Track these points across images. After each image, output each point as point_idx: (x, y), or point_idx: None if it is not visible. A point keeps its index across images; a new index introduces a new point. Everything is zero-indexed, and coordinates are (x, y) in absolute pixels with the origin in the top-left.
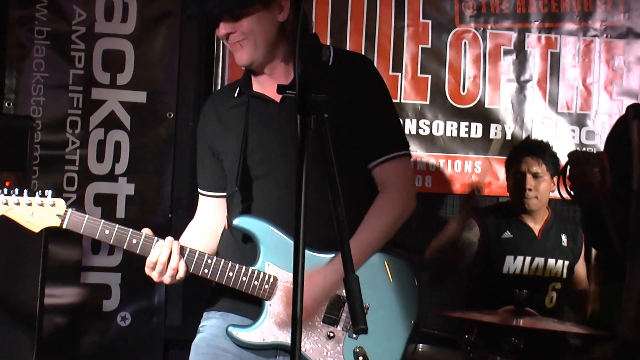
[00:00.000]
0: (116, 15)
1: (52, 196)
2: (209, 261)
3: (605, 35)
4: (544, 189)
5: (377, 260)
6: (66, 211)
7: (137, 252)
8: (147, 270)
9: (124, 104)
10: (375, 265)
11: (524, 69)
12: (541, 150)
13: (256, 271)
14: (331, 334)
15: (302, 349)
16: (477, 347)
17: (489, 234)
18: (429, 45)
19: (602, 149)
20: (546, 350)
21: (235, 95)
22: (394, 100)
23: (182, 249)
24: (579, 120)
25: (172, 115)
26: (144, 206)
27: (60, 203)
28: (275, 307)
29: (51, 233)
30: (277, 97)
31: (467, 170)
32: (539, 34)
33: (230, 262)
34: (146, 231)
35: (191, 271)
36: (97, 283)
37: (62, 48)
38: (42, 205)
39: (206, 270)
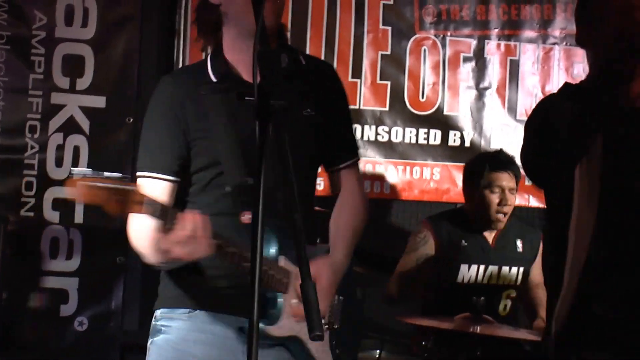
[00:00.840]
0: (76, 20)
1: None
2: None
3: (564, 43)
4: (513, 204)
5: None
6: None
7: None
8: (168, 244)
9: (83, 108)
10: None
11: (483, 76)
12: (515, 166)
13: (274, 263)
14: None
15: (307, 343)
16: (434, 353)
17: (444, 244)
18: (389, 52)
19: None
20: (501, 356)
21: (213, 78)
22: (352, 107)
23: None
24: None
25: (131, 120)
26: (102, 211)
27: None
28: (289, 301)
29: (9, 238)
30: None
31: (425, 176)
32: (498, 41)
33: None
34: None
35: (222, 257)
36: (54, 288)
37: (22, 52)
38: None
39: (237, 254)
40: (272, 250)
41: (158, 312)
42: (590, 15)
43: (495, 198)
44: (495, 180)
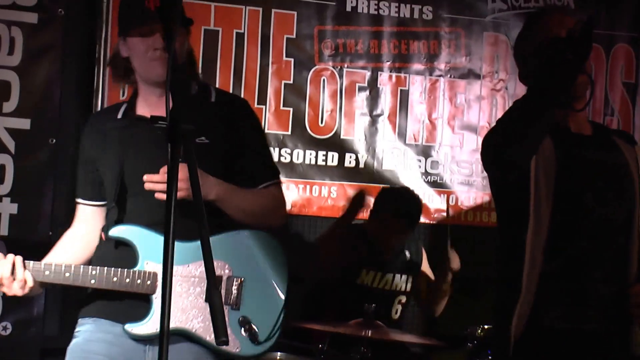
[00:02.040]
0: (3, 48)
1: None
2: (94, 272)
3: (449, 75)
4: (402, 241)
5: (247, 238)
6: None
7: None
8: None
9: (9, 130)
10: (245, 243)
11: (376, 104)
12: (407, 208)
13: (137, 271)
14: None
15: (192, 329)
16: (330, 355)
17: (345, 249)
18: (291, 81)
19: (444, 178)
20: (391, 358)
21: (119, 116)
22: None
23: (35, 265)
24: (425, 151)
25: (53, 140)
26: (26, 224)
27: None
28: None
29: None
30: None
31: (323, 194)
32: (390, 73)
33: (113, 268)
34: None
35: (80, 284)
36: None
37: None
38: None
39: (93, 281)
40: (139, 260)
41: (79, 320)
42: (528, 53)
43: (383, 235)
44: (383, 222)
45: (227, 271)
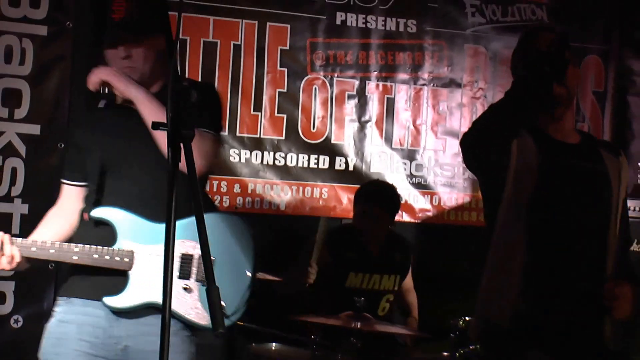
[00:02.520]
0: (15, 58)
1: None
2: (76, 249)
3: (432, 84)
4: (382, 229)
5: (217, 220)
6: None
7: None
8: None
9: (20, 135)
10: (216, 225)
11: (364, 111)
12: (385, 199)
13: (116, 250)
14: (186, 286)
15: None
16: (322, 346)
17: (335, 253)
18: (285, 90)
19: (428, 179)
20: (379, 348)
21: (100, 105)
22: (254, 136)
23: (22, 241)
24: (410, 155)
25: (62, 145)
26: (36, 223)
27: None
28: (137, 275)
29: None
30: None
31: (315, 195)
32: (377, 82)
33: (94, 246)
34: None
35: (63, 259)
36: None
37: None
38: None
39: (75, 257)
40: (117, 239)
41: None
42: (521, 67)
43: (363, 226)
44: (363, 211)
45: (198, 250)
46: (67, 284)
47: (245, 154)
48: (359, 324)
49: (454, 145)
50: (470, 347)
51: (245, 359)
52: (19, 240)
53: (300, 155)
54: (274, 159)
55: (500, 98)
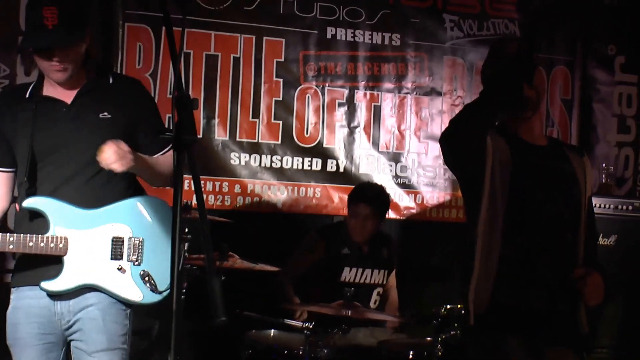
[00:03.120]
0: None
1: None
2: (11, 238)
3: (414, 93)
4: (372, 226)
5: (142, 203)
6: None
7: None
8: None
9: None
10: (141, 208)
11: (353, 117)
12: (373, 199)
13: (50, 237)
14: (119, 267)
15: (101, 283)
16: (316, 332)
17: (330, 251)
18: (281, 98)
19: (412, 180)
20: (369, 335)
21: (27, 96)
22: (252, 140)
23: None
24: (395, 158)
25: None
26: None
27: None
28: (71, 259)
29: None
30: (67, 99)
31: (309, 195)
32: (364, 91)
33: (29, 235)
34: None
35: (0, 249)
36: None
37: None
38: None
39: (11, 247)
40: (50, 227)
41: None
42: (489, 69)
43: (355, 224)
44: (355, 210)
45: (128, 233)
46: (16, 274)
47: (245, 157)
48: (349, 312)
49: (436, 148)
50: (451, 333)
51: (246, 344)
52: None
53: (295, 158)
54: (271, 161)
55: (477, 97)
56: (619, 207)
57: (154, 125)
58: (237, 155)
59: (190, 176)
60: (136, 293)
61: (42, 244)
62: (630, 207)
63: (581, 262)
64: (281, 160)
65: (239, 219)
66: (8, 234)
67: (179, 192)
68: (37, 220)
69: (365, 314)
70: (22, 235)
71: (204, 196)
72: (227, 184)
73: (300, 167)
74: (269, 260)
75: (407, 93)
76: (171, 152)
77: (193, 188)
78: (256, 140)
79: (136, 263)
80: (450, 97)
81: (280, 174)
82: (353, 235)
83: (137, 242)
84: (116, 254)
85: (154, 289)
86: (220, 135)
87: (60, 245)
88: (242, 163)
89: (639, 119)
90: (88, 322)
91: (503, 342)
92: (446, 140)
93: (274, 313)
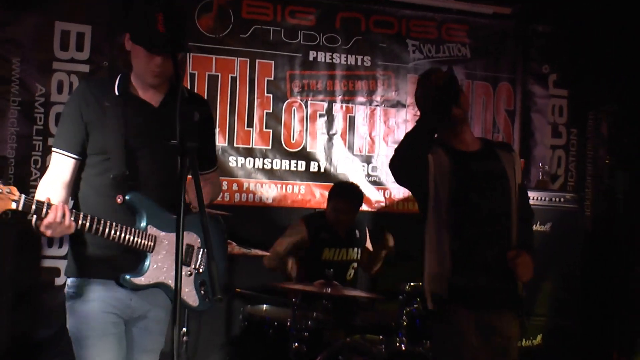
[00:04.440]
0: (65, 89)
1: (5, 185)
2: (117, 227)
3: (383, 105)
4: (350, 219)
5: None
6: (21, 196)
7: (32, 213)
8: (43, 228)
9: None
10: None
11: (332, 126)
12: (349, 194)
13: (140, 231)
14: (189, 273)
15: (170, 282)
16: (301, 306)
17: (312, 234)
18: (271, 110)
19: (381, 178)
20: (345, 307)
21: (116, 93)
22: (247, 146)
23: (75, 214)
24: (367, 159)
25: None
26: None
27: (15, 190)
28: (155, 258)
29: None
30: (154, 102)
31: (295, 191)
32: (341, 104)
33: (129, 227)
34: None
35: (87, 231)
36: (50, 266)
37: (28, 112)
38: (1, 192)
39: (114, 233)
40: (142, 223)
41: (68, 281)
42: (422, 97)
43: (336, 217)
44: (336, 206)
45: (197, 242)
46: (82, 265)
47: (241, 160)
48: (329, 289)
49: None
50: (415, 306)
51: (242, 317)
52: (74, 212)
53: (283, 161)
54: (263, 163)
55: (414, 125)
56: (553, 199)
57: (213, 145)
58: (234, 158)
59: (227, 178)
60: (193, 299)
61: (137, 239)
62: (562, 199)
63: (515, 243)
64: (271, 163)
65: (236, 212)
66: (114, 222)
67: (182, 191)
68: (129, 213)
69: (343, 291)
70: (124, 225)
71: None
72: (226, 182)
73: (287, 168)
74: (261, 247)
75: (376, 105)
76: (216, 173)
77: (194, 186)
78: (250, 146)
79: (198, 272)
80: (413, 109)
81: (271, 174)
82: (333, 225)
83: (202, 252)
84: (186, 260)
85: (207, 297)
86: (220, 142)
87: (151, 244)
88: (239, 165)
89: (569, 126)
90: (153, 323)
91: (457, 316)
92: (393, 166)
93: (265, 291)
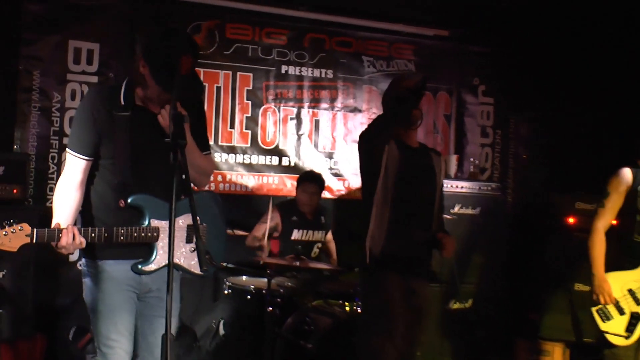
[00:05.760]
0: (77, 97)
1: (17, 223)
2: (122, 231)
3: (343, 110)
4: (316, 199)
5: (207, 197)
6: (33, 230)
7: (47, 241)
8: (58, 250)
9: None
10: (206, 200)
11: (300, 128)
12: (317, 180)
13: (148, 227)
14: (192, 249)
15: (181, 264)
16: (275, 276)
17: (284, 219)
18: (250, 115)
19: (342, 170)
20: (312, 278)
21: (122, 102)
22: (230, 144)
23: (84, 231)
24: (330, 155)
25: None
26: None
27: (27, 227)
28: (161, 245)
29: (42, 220)
30: (156, 110)
31: (270, 182)
32: (308, 109)
33: (134, 227)
34: (55, 224)
35: (97, 242)
36: None
37: (46, 115)
38: (14, 232)
39: (122, 237)
40: (146, 220)
41: (84, 260)
42: (390, 99)
43: (304, 197)
44: (304, 188)
45: (198, 219)
46: (98, 249)
47: (225, 156)
48: (298, 263)
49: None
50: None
51: (226, 286)
52: (82, 230)
53: (260, 157)
54: (243, 159)
55: (382, 114)
56: (481, 188)
57: (206, 130)
58: (219, 155)
59: (256, 173)
60: (198, 269)
61: (142, 234)
62: (489, 188)
63: (435, 226)
64: (250, 158)
65: (221, 199)
66: (119, 227)
67: (174, 183)
68: (133, 211)
69: (309, 264)
70: (130, 228)
71: None
72: (212, 175)
73: (263, 162)
74: (243, 228)
75: (338, 110)
76: (210, 156)
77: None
78: (233, 144)
79: (200, 248)
80: (367, 113)
81: (250, 167)
82: (302, 207)
83: (203, 228)
84: (190, 238)
85: (211, 264)
86: None
87: (155, 234)
88: (223, 160)
89: (495, 128)
90: (165, 293)
91: (386, 277)
92: (364, 141)
93: (246, 265)
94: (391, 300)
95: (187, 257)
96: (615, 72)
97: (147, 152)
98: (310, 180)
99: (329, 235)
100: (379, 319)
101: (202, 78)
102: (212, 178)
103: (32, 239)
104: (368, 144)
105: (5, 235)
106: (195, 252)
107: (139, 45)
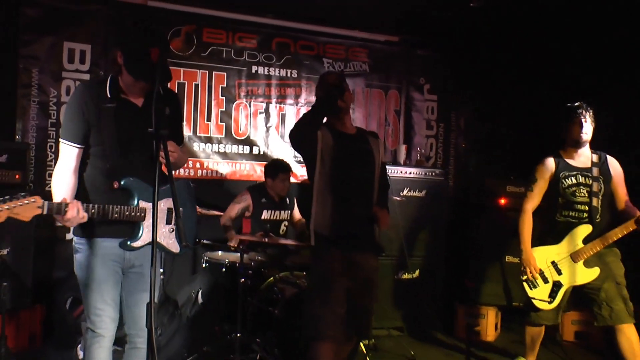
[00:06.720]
0: (71, 92)
1: (31, 195)
2: (116, 209)
3: (306, 106)
4: (288, 185)
5: (182, 184)
6: (44, 203)
7: (54, 214)
8: (64, 222)
9: None
10: (182, 187)
11: (269, 121)
12: (287, 168)
13: (135, 207)
14: (171, 229)
15: (162, 243)
16: (247, 250)
17: (255, 201)
18: (224, 109)
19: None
20: (279, 252)
21: (109, 95)
22: (207, 135)
23: (86, 206)
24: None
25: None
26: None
27: (39, 199)
28: (147, 224)
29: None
30: (139, 102)
31: (242, 169)
32: (276, 104)
33: (125, 206)
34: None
35: (95, 218)
36: (62, 226)
37: (44, 109)
38: (28, 203)
39: (115, 215)
40: (135, 201)
41: (75, 238)
42: (319, 91)
43: (279, 185)
44: (282, 178)
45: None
46: (86, 228)
47: (202, 145)
48: (267, 239)
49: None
50: None
51: (203, 260)
52: (84, 205)
53: (234, 146)
54: (218, 148)
55: (310, 109)
56: (427, 173)
57: (181, 125)
58: (197, 144)
59: (192, 159)
60: (175, 247)
61: (132, 213)
62: (433, 174)
63: (376, 202)
64: (225, 147)
65: (199, 184)
66: (113, 206)
67: (156, 170)
68: (123, 193)
69: (277, 240)
70: (122, 206)
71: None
72: (191, 162)
73: (237, 151)
74: (218, 209)
75: (301, 106)
76: (184, 148)
77: (165, 164)
78: (209, 135)
79: (180, 224)
80: None
81: (225, 155)
82: (280, 192)
83: (180, 211)
84: (169, 220)
85: (186, 244)
86: (186, 132)
87: (142, 214)
88: (201, 149)
89: (439, 121)
90: (147, 269)
91: (328, 253)
92: (292, 136)
93: (221, 241)
94: (331, 271)
95: (166, 237)
96: (540, 75)
97: (131, 140)
98: (284, 171)
99: (295, 212)
100: (320, 289)
101: (181, 77)
102: (191, 165)
103: (43, 210)
104: (297, 133)
105: (20, 205)
106: (174, 232)
107: (117, 39)
